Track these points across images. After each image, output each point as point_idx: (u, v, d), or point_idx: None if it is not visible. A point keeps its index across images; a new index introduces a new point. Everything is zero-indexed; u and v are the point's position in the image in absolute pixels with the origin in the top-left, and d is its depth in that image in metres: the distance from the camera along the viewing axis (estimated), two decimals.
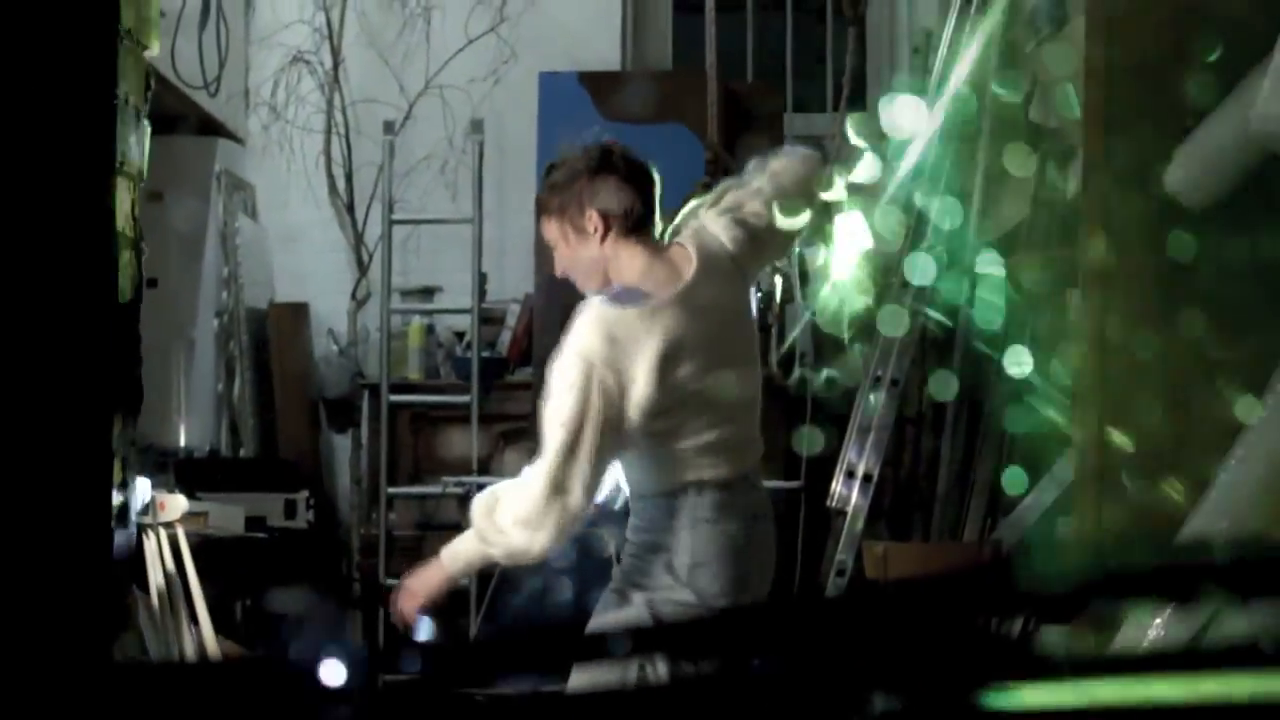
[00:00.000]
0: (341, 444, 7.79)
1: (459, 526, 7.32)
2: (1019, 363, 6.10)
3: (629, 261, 3.67)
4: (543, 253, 7.48)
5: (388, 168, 7.40)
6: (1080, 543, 4.56)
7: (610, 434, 3.54)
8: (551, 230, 3.71)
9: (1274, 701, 1.23)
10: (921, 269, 5.96)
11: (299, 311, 7.78)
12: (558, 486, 3.54)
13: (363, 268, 7.75)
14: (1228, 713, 1.22)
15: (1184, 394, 4.37)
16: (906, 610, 1.29)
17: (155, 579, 4.97)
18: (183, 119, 7.04)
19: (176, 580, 5.02)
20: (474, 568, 3.73)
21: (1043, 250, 6.00)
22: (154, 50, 4.32)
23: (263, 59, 7.93)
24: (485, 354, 7.34)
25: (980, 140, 6.32)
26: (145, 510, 4.91)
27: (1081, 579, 1.30)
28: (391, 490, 7.30)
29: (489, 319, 7.54)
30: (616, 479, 3.74)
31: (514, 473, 3.71)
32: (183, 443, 6.87)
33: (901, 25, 7.83)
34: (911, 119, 6.18)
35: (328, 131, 7.82)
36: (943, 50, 6.21)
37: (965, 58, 6.13)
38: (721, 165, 6.61)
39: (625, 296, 3.65)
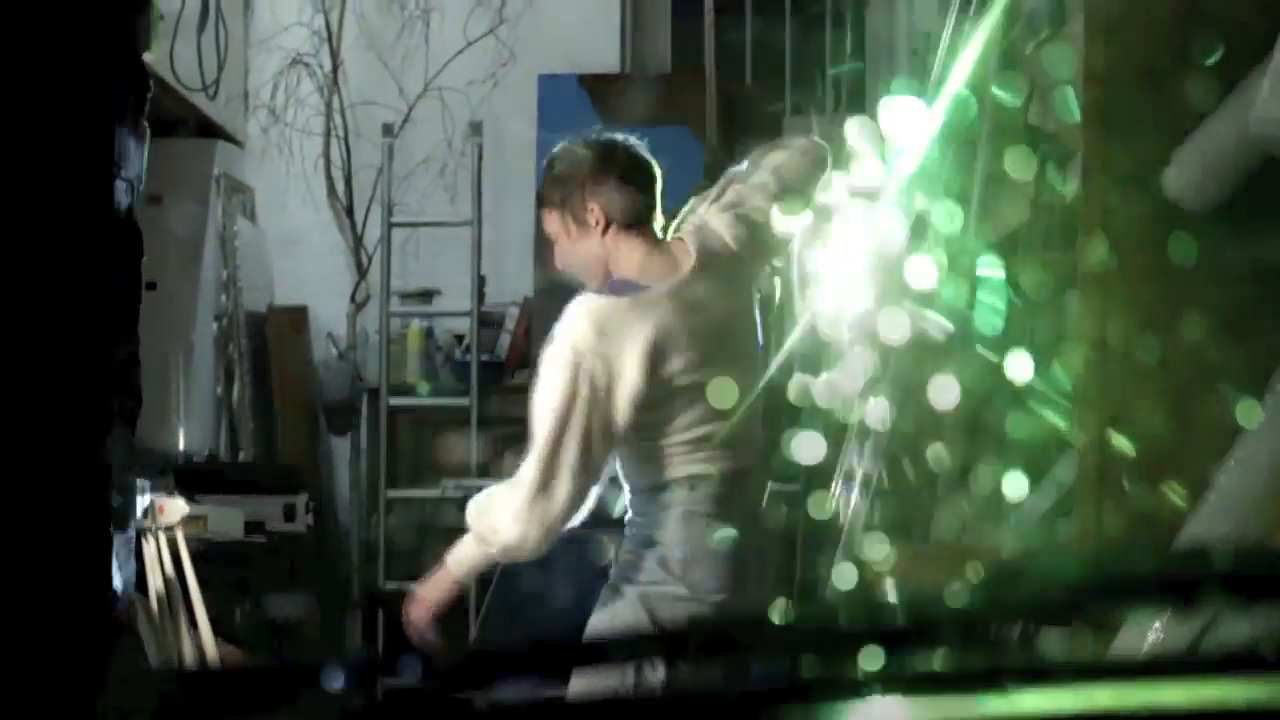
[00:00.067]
0: (341, 447, 7.79)
1: (459, 530, 7.34)
2: (1019, 366, 6.10)
3: (629, 255, 3.68)
4: (542, 256, 7.50)
5: (387, 170, 7.41)
6: (1080, 546, 4.56)
7: (599, 423, 3.54)
8: (553, 223, 3.72)
9: (1273, 708, 1.23)
10: (921, 274, 5.96)
11: (298, 315, 7.78)
12: (547, 476, 3.54)
13: (362, 271, 7.75)
14: (1227, 718, 1.22)
15: (1184, 397, 4.37)
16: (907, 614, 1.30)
17: (154, 583, 4.97)
18: (181, 121, 7.04)
19: (176, 584, 5.02)
20: (478, 569, 3.73)
21: (1042, 253, 6.00)
22: (153, 53, 4.32)
23: (262, 61, 7.93)
24: (484, 357, 7.34)
25: (979, 143, 6.32)
26: (144, 514, 4.92)
27: (1081, 582, 1.30)
28: (391, 493, 7.30)
29: (488, 322, 7.54)
30: (609, 479, 3.74)
31: (513, 475, 3.71)
32: (182, 446, 6.86)
33: (900, 27, 7.83)
34: (910, 122, 6.18)
35: (327, 134, 7.82)
36: (941, 52, 6.21)
37: (964, 60, 6.13)
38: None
39: (619, 288, 3.66)
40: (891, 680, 1.25)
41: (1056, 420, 5.79)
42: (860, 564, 5.52)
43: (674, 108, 7.11)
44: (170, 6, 5.83)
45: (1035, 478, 5.89)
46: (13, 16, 3.15)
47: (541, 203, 3.76)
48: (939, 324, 6.24)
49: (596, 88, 7.31)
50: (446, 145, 7.70)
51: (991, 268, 6.25)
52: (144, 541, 4.95)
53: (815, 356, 6.70)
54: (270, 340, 7.71)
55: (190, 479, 6.26)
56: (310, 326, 7.79)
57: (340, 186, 7.82)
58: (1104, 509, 4.44)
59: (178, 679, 1.44)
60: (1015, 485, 6.06)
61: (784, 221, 3.84)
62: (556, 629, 4.62)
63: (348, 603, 7.46)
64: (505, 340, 7.66)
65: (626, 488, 3.76)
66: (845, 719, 1.23)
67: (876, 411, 5.87)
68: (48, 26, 3.24)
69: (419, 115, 7.71)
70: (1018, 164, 6.28)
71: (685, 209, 3.90)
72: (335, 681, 1.31)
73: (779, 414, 4.07)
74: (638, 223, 3.69)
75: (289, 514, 6.59)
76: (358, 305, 7.75)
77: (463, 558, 3.71)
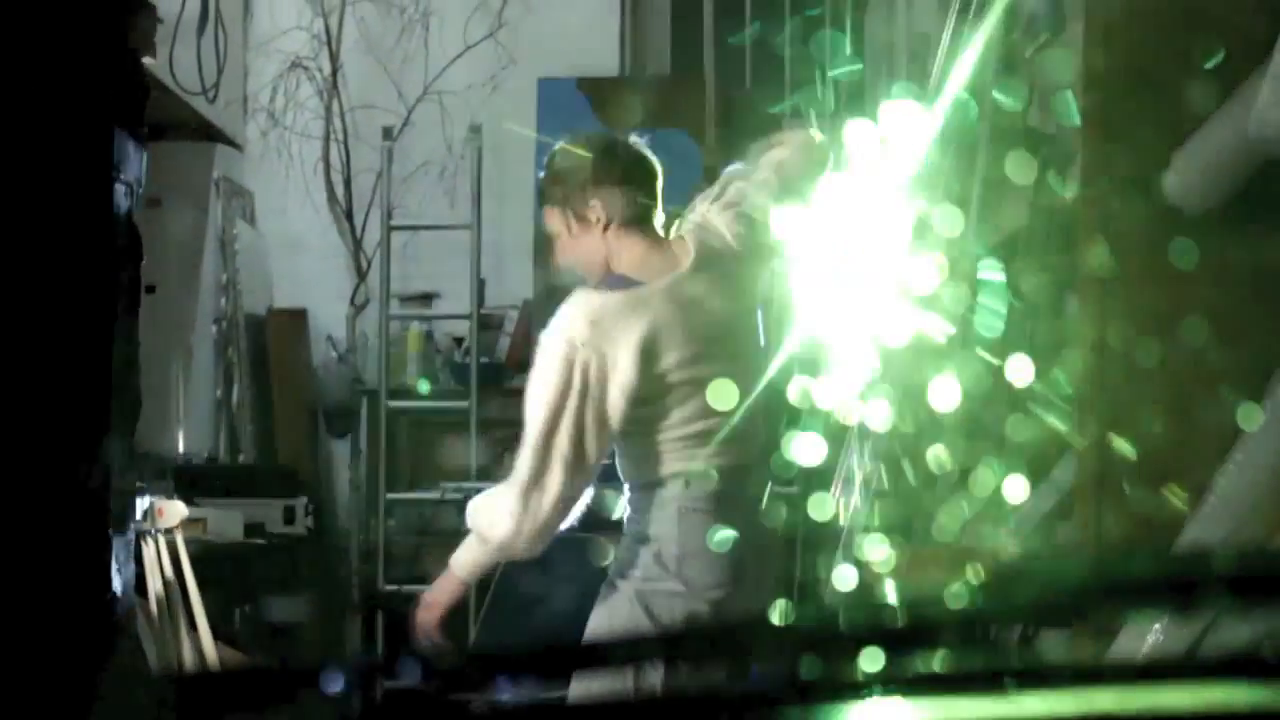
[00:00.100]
0: (340, 450, 7.80)
1: (458, 532, 7.34)
2: (1019, 369, 6.10)
3: (629, 252, 3.69)
4: (541, 259, 7.51)
5: (386, 174, 7.41)
6: (1080, 548, 4.56)
7: (593, 415, 3.55)
8: (554, 219, 3.73)
9: (1274, 711, 1.23)
10: (921, 277, 5.96)
11: (297, 318, 7.79)
12: (539, 469, 3.55)
13: (361, 274, 7.76)
14: None
15: (1184, 400, 4.37)
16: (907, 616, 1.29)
17: (154, 585, 4.97)
18: (181, 125, 7.04)
19: (175, 587, 5.02)
20: (481, 569, 3.73)
21: (1041, 256, 6.00)
22: (152, 57, 4.32)
23: (261, 65, 7.93)
24: (484, 360, 7.34)
25: (978, 146, 6.32)
26: (144, 517, 4.92)
27: (1081, 585, 1.30)
28: (390, 496, 7.30)
29: (487, 325, 7.54)
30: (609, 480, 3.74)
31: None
32: (181, 449, 6.86)
33: (899, 30, 7.83)
34: (910, 125, 6.18)
35: (326, 138, 7.82)
36: (940, 55, 6.21)
37: (963, 63, 6.13)
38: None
39: (616, 283, 3.68)
40: (891, 682, 1.25)
41: (1056, 423, 5.79)
42: (860, 565, 5.52)
43: (673, 111, 7.11)
44: (169, 10, 5.83)
45: (1035, 480, 5.90)
46: (12, 21, 3.15)
47: (543, 200, 3.77)
48: (939, 326, 6.24)
49: (596, 91, 7.32)
50: (446, 149, 7.70)
51: (992, 271, 6.25)
52: (143, 544, 4.94)
53: (815, 358, 6.71)
54: (270, 343, 7.71)
55: (190, 481, 6.26)
56: (310, 329, 7.79)
57: (340, 190, 7.82)
58: (1104, 512, 4.45)
59: (176, 681, 1.44)
60: (1015, 487, 6.06)
61: (784, 222, 3.84)
62: (556, 631, 4.62)
63: (347, 605, 7.45)
64: (505, 343, 7.66)
65: (625, 485, 3.76)
66: None
67: (876, 413, 5.87)
68: (47, 31, 3.24)
69: (418, 119, 7.71)
70: (1017, 167, 6.28)
71: (690, 205, 3.91)
72: (334, 684, 1.31)
73: (779, 414, 4.06)
74: (638, 220, 3.70)
75: (288, 516, 6.59)
76: (357, 308, 7.75)
77: (465, 558, 3.71)
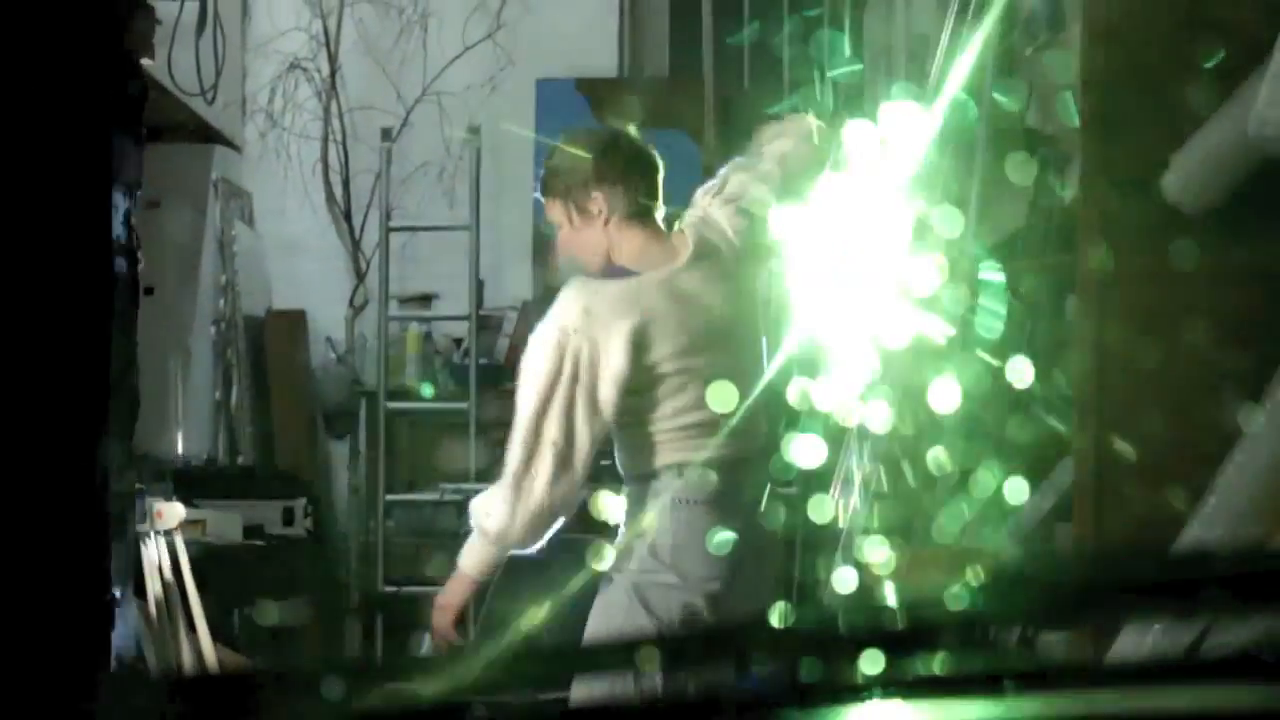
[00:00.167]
0: (339, 451, 7.79)
1: (457, 534, 7.33)
2: (1019, 369, 6.10)
3: (629, 244, 3.71)
4: (540, 259, 7.51)
5: (385, 175, 7.40)
6: (1080, 549, 4.56)
7: (584, 401, 3.56)
8: (556, 211, 3.76)
9: (1273, 711, 1.23)
10: (921, 278, 5.95)
11: (296, 319, 7.78)
12: (529, 454, 3.57)
13: (360, 275, 7.76)
14: None
15: (1183, 400, 4.37)
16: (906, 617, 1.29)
17: (153, 587, 4.96)
18: (179, 126, 7.03)
19: (174, 588, 5.02)
20: (488, 564, 3.73)
21: (1041, 256, 6.00)
22: (150, 58, 4.32)
23: (260, 66, 7.93)
24: (483, 361, 7.34)
25: (978, 146, 6.32)
26: (143, 519, 4.92)
27: (1080, 586, 1.30)
28: (389, 497, 7.30)
29: (486, 326, 7.54)
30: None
31: None
32: (180, 451, 6.86)
33: (898, 31, 7.83)
34: (909, 126, 6.18)
35: (325, 139, 7.82)
36: (940, 56, 6.21)
37: (962, 64, 6.13)
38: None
39: (612, 273, 3.70)
40: (891, 684, 1.25)
41: (1055, 424, 5.79)
42: (859, 567, 5.52)
43: (671, 112, 7.11)
44: (168, 12, 5.83)
45: (1035, 481, 5.89)
46: (9, 23, 3.15)
47: (544, 192, 3.79)
48: (939, 327, 6.24)
49: (594, 92, 7.31)
50: (445, 150, 7.70)
51: (991, 271, 6.25)
52: (143, 546, 4.94)
53: (814, 357, 6.70)
54: (268, 344, 7.71)
55: (189, 483, 6.26)
56: (308, 331, 7.78)
57: (338, 191, 7.82)
58: (1103, 512, 4.45)
59: (174, 685, 1.44)
60: (1015, 489, 6.06)
61: (785, 222, 3.84)
62: (555, 632, 4.62)
63: (346, 606, 7.45)
64: (504, 344, 7.65)
65: (622, 475, 3.78)
66: None
67: (875, 415, 5.87)
68: (44, 32, 3.24)
69: (417, 120, 7.71)
70: (1017, 168, 6.28)
71: (693, 199, 3.92)
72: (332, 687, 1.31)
73: (779, 410, 4.06)
74: (639, 213, 3.73)
75: (287, 518, 6.59)
76: (356, 309, 7.75)
77: (470, 556, 3.73)
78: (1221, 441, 4.06)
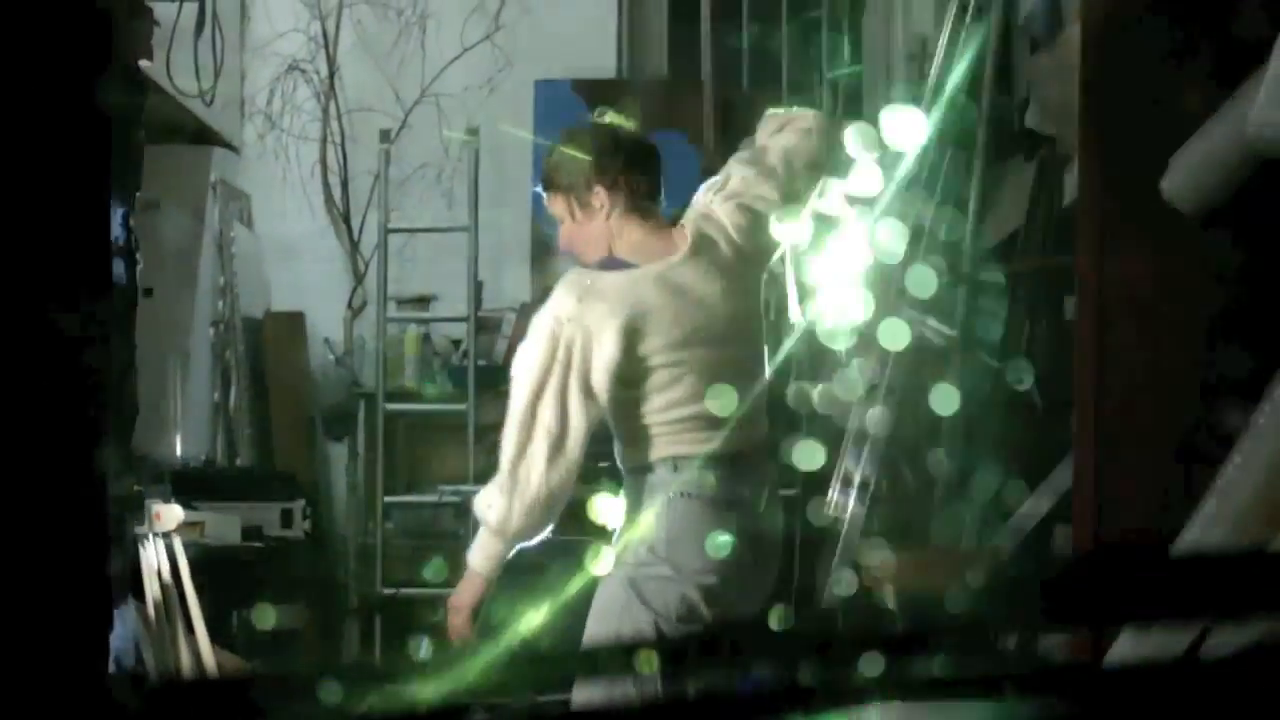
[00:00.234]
0: (338, 453, 7.79)
1: (455, 535, 7.32)
2: (1018, 370, 6.10)
3: (630, 237, 3.73)
4: (539, 261, 7.50)
5: (383, 176, 7.40)
6: (1078, 551, 4.56)
7: (577, 386, 3.57)
8: (557, 205, 3.78)
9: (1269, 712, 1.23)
10: (921, 280, 5.96)
11: (295, 321, 7.78)
12: (523, 440, 3.59)
13: (359, 277, 7.75)
14: None
15: (1182, 401, 4.37)
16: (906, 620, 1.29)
17: (151, 589, 4.96)
18: (178, 128, 7.03)
19: (173, 590, 5.01)
20: (496, 559, 3.73)
21: (1040, 258, 6.00)
22: (149, 60, 4.32)
23: (258, 68, 7.93)
24: (481, 363, 7.34)
25: (976, 148, 6.31)
26: (142, 521, 4.91)
27: (1079, 587, 1.30)
28: (387, 499, 7.29)
29: (485, 327, 7.54)
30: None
31: None
32: (179, 453, 6.85)
33: (896, 32, 7.83)
34: (908, 128, 6.18)
35: (323, 140, 7.82)
36: (938, 57, 6.21)
37: (961, 65, 6.13)
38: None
39: (609, 264, 3.71)
40: (889, 687, 1.24)
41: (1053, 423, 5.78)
42: (858, 569, 5.52)
43: (670, 114, 7.11)
44: (167, 13, 5.82)
45: (1033, 483, 5.89)
46: (6, 24, 3.14)
47: (546, 186, 3.80)
48: (939, 330, 6.25)
49: (593, 93, 7.31)
50: (443, 151, 7.69)
51: (990, 273, 6.25)
52: (141, 548, 4.94)
53: (813, 362, 6.71)
54: (267, 346, 7.70)
55: (187, 485, 6.25)
56: (307, 332, 7.78)
57: (337, 192, 7.82)
58: (1102, 514, 4.44)
59: (169, 689, 1.44)
60: (1014, 491, 6.06)
61: (784, 224, 3.84)
62: (554, 634, 4.62)
63: (345, 608, 7.45)
64: (502, 346, 7.65)
65: (621, 470, 3.79)
66: None
67: (875, 417, 5.87)
68: (43, 34, 3.24)
69: (416, 121, 7.70)
70: (1015, 169, 6.28)
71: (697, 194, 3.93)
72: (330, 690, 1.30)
73: (776, 419, 4.06)
74: (641, 207, 3.75)
75: (286, 520, 6.58)
76: (355, 311, 7.75)
77: (477, 553, 3.74)
78: (1220, 442, 4.06)
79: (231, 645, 5.63)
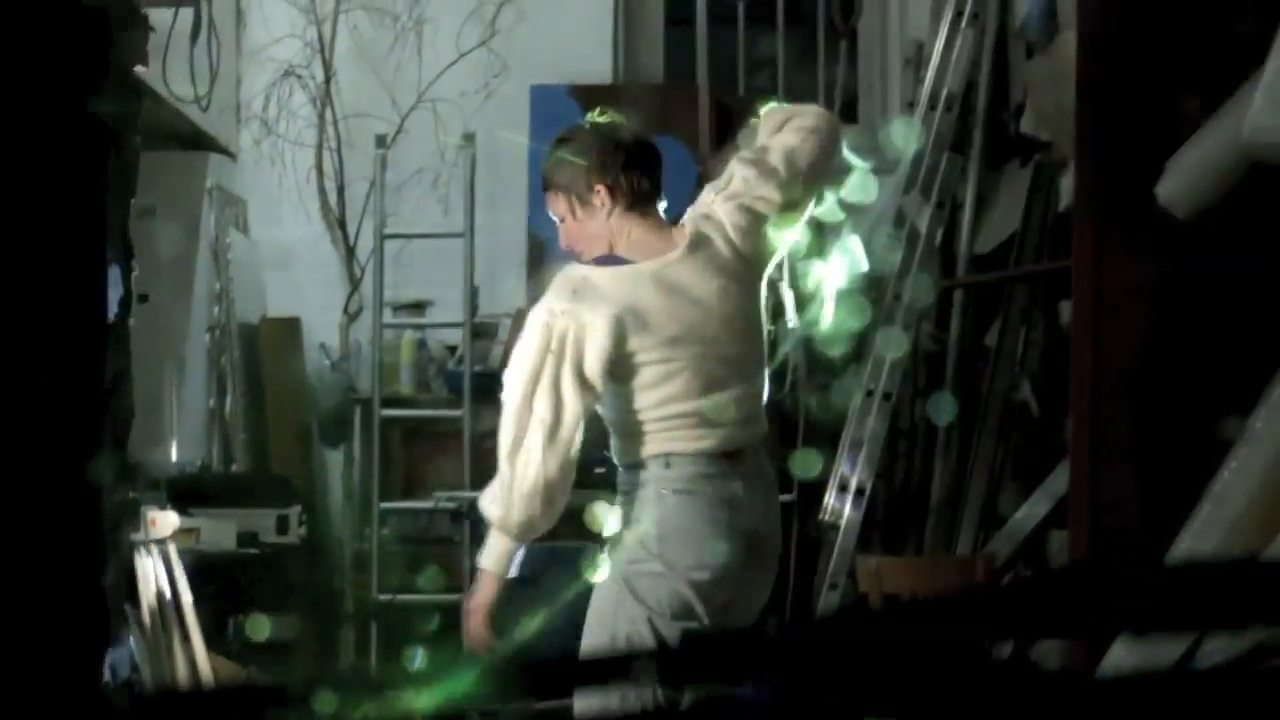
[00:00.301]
0: (333, 459, 7.78)
1: (451, 541, 7.31)
2: (1010, 373, 6.10)
3: (630, 235, 3.74)
4: (535, 267, 7.50)
5: (379, 182, 7.40)
6: (1075, 557, 4.55)
7: (571, 375, 3.58)
8: (558, 204, 3.79)
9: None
10: (917, 286, 5.96)
11: (291, 326, 7.77)
12: (519, 432, 3.60)
13: (354, 282, 7.75)
14: None
15: (1177, 406, 4.37)
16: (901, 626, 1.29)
17: (147, 596, 4.96)
18: (174, 134, 7.03)
19: (168, 597, 5.01)
20: (504, 556, 3.73)
21: (1035, 263, 6.00)
22: (145, 66, 4.32)
23: (254, 73, 7.92)
24: (477, 368, 7.33)
25: (972, 153, 6.32)
26: (137, 528, 4.91)
27: (1072, 595, 1.30)
28: (383, 505, 7.28)
29: (481, 333, 7.53)
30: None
31: None
32: (174, 458, 6.85)
33: (892, 37, 7.84)
34: (904, 134, 6.18)
35: (319, 146, 7.82)
36: (934, 62, 6.21)
37: (957, 70, 6.13)
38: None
39: (605, 260, 3.72)
40: (884, 694, 1.24)
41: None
42: (853, 574, 5.52)
43: (666, 118, 7.10)
44: (162, 19, 5.82)
45: (1029, 487, 5.89)
46: (4, 30, 3.15)
47: (547, 186, 3.81)
48: (937, 337, 6.25)
49: (589, 98, 7.30)
50: (439, 156, 7.69)
51: (984, 278, 6.25)
52: (137, 555, 4.94)
53: (811, 364, 6.71)
54: (263, 352, 7.70)
55: (183, 491, 6.25)
56: (303, 338, 7.77)
57: (333, 198, 7.82)
58: (1097, 519, 4.44)
59: (165, 697, 1.44)
60: (1010, 496, 6.06)
61: (784, 227, 3.84)
62: (551, 638, 4.62)
63: (341, 614, 7.44)
64: (498, 351, 7.64)
65: (616, 466, 3.80)
66: None
67: (871, 422, 5.87)
68: (41, 41, 3.24)
69: (411, 126, 7.70)
70: (1011, 174, 6.28)
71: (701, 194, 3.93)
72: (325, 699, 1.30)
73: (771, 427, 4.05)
74: (641, 205, 3.76)
75: (282, 526, 6.58)
76: (350, 316, 7.74)
77: (487, 552, 3.74)
78: (1216, 448, 4.06)
79: (227, 652, 5.62)
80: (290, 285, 7.90)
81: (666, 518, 3.65)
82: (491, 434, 7.08)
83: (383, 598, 7.11)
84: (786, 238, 3.87)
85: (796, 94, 7.57)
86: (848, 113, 7.39)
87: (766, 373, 3.88)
